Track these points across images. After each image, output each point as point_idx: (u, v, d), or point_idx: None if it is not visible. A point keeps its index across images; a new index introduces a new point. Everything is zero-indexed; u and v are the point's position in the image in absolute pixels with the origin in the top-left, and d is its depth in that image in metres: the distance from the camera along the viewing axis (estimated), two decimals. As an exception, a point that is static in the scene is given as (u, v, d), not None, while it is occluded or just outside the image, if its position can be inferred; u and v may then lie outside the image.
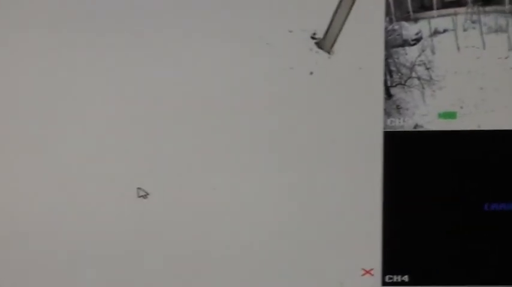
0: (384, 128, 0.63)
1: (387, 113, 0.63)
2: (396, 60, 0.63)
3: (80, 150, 0.63)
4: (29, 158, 0.63)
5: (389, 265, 0.65)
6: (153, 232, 0.64)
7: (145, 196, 0.64)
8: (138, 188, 0.64)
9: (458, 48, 0.63)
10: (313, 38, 0.62)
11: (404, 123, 0.64)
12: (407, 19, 0.62)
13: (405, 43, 0.63)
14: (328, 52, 0.62)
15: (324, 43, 0.62)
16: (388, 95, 0.63)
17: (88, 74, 0.63)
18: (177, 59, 0.62)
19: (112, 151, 0.63)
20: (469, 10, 0.62)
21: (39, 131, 0.63)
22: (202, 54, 0.62)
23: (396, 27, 0.62)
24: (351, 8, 0.62)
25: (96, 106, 0.63)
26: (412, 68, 0.63)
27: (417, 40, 0.63)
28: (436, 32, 0.63)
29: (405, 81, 0.63)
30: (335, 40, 0.62)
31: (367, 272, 0.65)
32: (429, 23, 0.62)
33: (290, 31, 0.62)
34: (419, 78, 0.63)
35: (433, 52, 0.63)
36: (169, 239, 0.64)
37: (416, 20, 0.62)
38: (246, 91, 0.63)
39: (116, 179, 0.64)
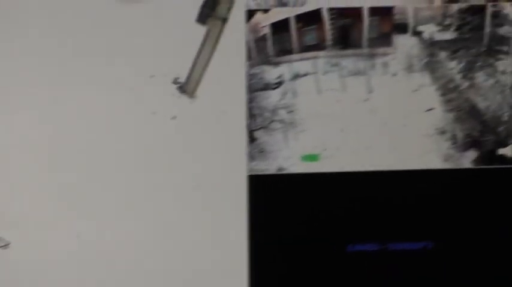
0: (248, 172, 0.63)
1: (251, 157, 0.63)
2: (259, 104, 0.63)
3: None
4: None
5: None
6: (15, 282, 0.62)
7: (5, 246, 0.62)
8: (-2, 238, 0.62)
9: (319, 92, 0.63)
10: (175, 82, 0.62)
11: (268, 167, 0.64)
12: (268, 63, 0.62)
13: (267, 87, 0.63)
14: (191, 97, 0.62)
15: (187, 87, 0.62)
16: (252, 138, 0.63)
17: None
18: (39, 104, 0.61)
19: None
20: (329, 53, 0.62)
21: None
22: (66, 100, 0.61)
23: (258, 71, 0.62)
24: (212, 53, 0.62)
25: None
26: (274, 112, 0.63)
27: (279, 84, 0.63)
28: (297, 76, 0.63)
29: (268, 124, 0.63)
30: (197, 84, 0.62)
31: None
32: (290, 67, 0.63)
33: (152, 76, 0.61)
34: (282, 121, 0.63)
35: (294, 95, 0.63)
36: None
37: (277, 64, 0.63)
38: (110, 136, 0.62)
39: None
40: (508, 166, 0.64)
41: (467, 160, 0.64)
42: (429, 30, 0.63)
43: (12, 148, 0.61)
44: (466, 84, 0.64)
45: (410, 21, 0.63)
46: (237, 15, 0.61)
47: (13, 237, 0.63)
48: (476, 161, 0.65)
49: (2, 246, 0.62)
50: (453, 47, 0.63)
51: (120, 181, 0.62)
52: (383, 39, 0.63)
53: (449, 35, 0.63)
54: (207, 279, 0.64)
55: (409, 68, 0.63)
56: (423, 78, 0.64)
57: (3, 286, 0.63)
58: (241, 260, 0.64)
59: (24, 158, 0.61)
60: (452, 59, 0.63)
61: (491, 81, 0.64)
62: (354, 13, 0.62)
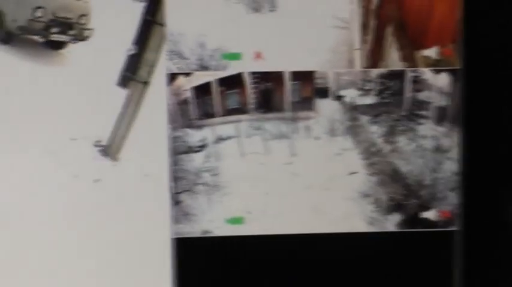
0: (173, 235, 0.63)
1: (175, 220, 0.63)
2: (182, 166, 0.63)
3: None
4: None
5: None
6: None
7: None
8: None
9: (243, 155, 0.63)
10: (97, 145, 0.62)
11: (193, 229, 0.63)
12: (191, 126, 0.63)
13: (190, 150, 0.63)
14: (114, 159, 0.62)
15: (109, 150, 0.62)
16: (176, 201, 0.63)
17: None
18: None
19: None
20: (252, 117, 0.63)
21: None
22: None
23: (180, 134, 0.63)
24: (134, 115, 0.62)
25: None
26: (198, 174, 0.63)
27: (202, 147, 0.63)
28: (220, 139, 0.63)
29: (192, 187, 0.63)
30: (120, 147, 0.62)
31: None
32: (213, 130, 0.63)
33: (73, 139, 0.61)
34: (205, 184, 0.63)
35: (218, 158, 0.63)
36: None
37: (200, 127, 0.63)
38: (31, 201, 0.61)
39: None
40: (431, 229, 0.64)
41: (391, 223, 0.65)
42: (350, 94, 0.64)
43: None
44: (388, 148, 0.64)
45: (332, 86, 0.64)
46: (158, 79, 0.62)
47: None
48: (400, 224, 0.65)
49: None
50: (374, 112, 0.64)
51: (43, 246, 0.62)
52: (305, 103, 0.64)
53: (370, 100, 0.64)
54: None
55: (332, 132, 0.64)
56: (346, 142, 0.64)
57: None
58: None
59: None
60: (373, 123, 0.64)
61: (412, 145, 0.64)
62: (276, 77, 0.63)
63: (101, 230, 0.62)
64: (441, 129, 0.64)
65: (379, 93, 0.64)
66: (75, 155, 0.62)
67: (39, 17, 0.60)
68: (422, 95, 0.64)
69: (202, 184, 0.64)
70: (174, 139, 0.63)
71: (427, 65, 0.64)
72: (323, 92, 0.64)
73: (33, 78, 0.61)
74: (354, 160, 0.64)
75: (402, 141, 0.64)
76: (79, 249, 0.62)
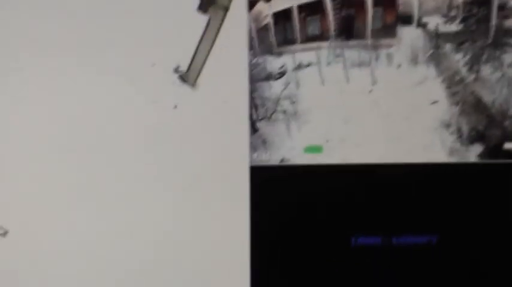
0: (250, 163, 0.62)
1: (253, 148, 0.63)
2: (261, 94, 0.62)
3: None
4: None
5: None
6: (11, 271, 0.62)
7: (3, 234, 0.61)
8: (-3, 226, 0.62)
9: (323, 82, 0.62)
10: (176, 71, 0.61)
11: (270, 158, 0.63)
12: (271, 53, 0.62)
13: (270, 77, 0.62)
14: (192, 85, 0.61)
15: (188, 76, 0.61)
16: (254, 129, 0.62)
17: None
18: (42, 94, 0.61)
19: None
20: (333, 44, 0.62)
21: None
22: (67, 90, 0.61)
23: (260, 61, 0.62)
24: (213, 42, 0.61)
25: None
26: (277, 102, 0.62)
27: (281, 74, 0.62)
28: (300, 66, 0.62)
29: (271, 115, 0.63)
30: (199, 73, 0.62)
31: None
32: (293, 57, 0.62)
33: (153, 64, 0.61)
34: (284, 112, 0.62)
35: (297, 86, 0.62)
36: (28, 279, 0.62)
37: (280, 54, 0.62)
38: (111, 126, 0.61)
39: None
40: (514, 161, 0.63)
41: (472, 154, 0.63)
42: (434, 21, 0.62)
43: (13, 138, 0.60)
44: (471, 77, 0.63)
45: (415, 13, 0.62)
46: (238, 5, 0.61)
47: (12, 225, 0.61)
48: (482, 155, 0.63)
49: (0, 234, 0.61)
50: (459, 39, 0.62)
51: (120, 172, 0.62)
52: (387, 31, 0.62)
53: (454, 27, 0.62)
54: (207, 273, 0.63)
55: (414, 60, 0.62)
56: (428, 71, 0.63)
57: (1, 275, 0.62)
58: (242, 253, 0.63)
59: (25, 147, 0.61)
60: (457, 51, 0.63)
61: (497, 74, 0.63)
62: (358, 3, 0.62)
63: (179, 156, 0.62)
64: (527, 58, 0.62)
65: (464, 20, 0.62)
66: (155, 80, 0.61)
67: None
68: (509, 23, 0.62)
69: (281, 111, 0.63)
70: (254, 66, 0.62)
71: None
72: (406, 19, 0.62)
73: (115, 4, 0.60)
74: (436, 89, 0.63)
75: (486, 70, 0.63)
76: (157, 174, 0.62)
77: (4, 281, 0.62)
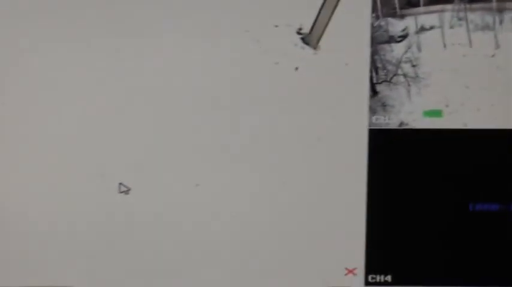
0: (369, 126, 0.63)
1: (372, 111, 0.63)
2: (382, 57, 0.62)
3: (60, 143, 0.62)
4: (6, 149, 0.62)
5: (373, 265, 0.64)
6: (134, 228, 0.63)
7: (126, 192, 0.63)
8: (120, 184, 0.63)
9: (445, 46, 0.62)
10: (299, 33, 0.62)
11: (389, 121, 0.63)
12: (393, 15, 0.62)
13: (391, 40, 0.62)
14: (314, 48, 0.62)
15: (310, 38, 0.62)
16: (374, 92, 0.62)
17: (70, 66, 0.61)
18: (161, 54, 0.62)
19: (93, 144, 0.62)
20: (456, 7, 0.61)
21: (19, 123, 0.62)
22: (187, 50, 0.62)
23: (382, 23, 0.62)
24: (337, 4, 0.61)
25: (77, 99, 0.62)
26: (398, 65, 0.62)
27: (403, 37, 0.62)
28: (422, 29, 0.62)
29: (391, 78, 0.62)
30: (321, 36, 0.62)
31: (350, 271, 0.64)
32: (416, 20, 0.62)
33: (276, 26, 0.61)
34: (405, 75, 0.62)
35: (419, 49, 0.62)
36: (151, 236, 0.63)
37: (402, 17, 0.62)
38: (231, 86, 0.62)
39: (97, 174, 0.62)
40: None
41: None
42: (562, -16, 0.61)
43: (134, 94, 0.61)
44: None
45: (543, -25, 0.61)
46: (364, -35, 0.61)
47: (134, 183, 0.63)
48: None
49: (123, 191, 0.62)
50: None
51: (241, 131, 0.62)
52: (513, -7, 0.61)
53: None
54: (322, 233, 0.63)
55: (540, 24, 0.61)
56: (554, 35, 0.62)
57: (123, 232, 0.63)
58: (359, 215, 0.63)
59: (144, 108, 0.62)
60: None
61: None
62: (485, -35, 0.61)
63: (299, 118, 0.62)
64: None
65: None
66: (277, 42, 0.62)
67: None
68: None
69: (402, 74, 0.62)
70: (376, 28, 0.62)
71: None
72: (533, -18, 0.61)
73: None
74: (562, 53, 0.62)
75: None
76: (275, 136, 0.62)
77: (126, 240, 0.63)
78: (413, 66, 0.62)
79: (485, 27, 0.62)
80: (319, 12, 0.61)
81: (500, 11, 0.62)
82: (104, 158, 0.63)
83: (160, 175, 0.63)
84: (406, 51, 0.62)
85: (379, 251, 0.64)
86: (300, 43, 0.62)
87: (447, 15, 0.62)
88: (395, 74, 0.62)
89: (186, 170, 0.63)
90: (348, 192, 0.63)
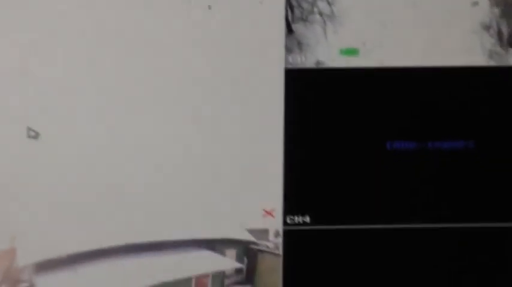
0: (285, 65, 0.61)
1: (288, 50, 0.61)
2: (297, -6, 0.60)
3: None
4: None
5: (291, 206, 0.63)
6: (43, 174, 0.61)
7: (35, 136, 0.61)
8: (29, 128, 0.60)
9: (361, -18, 0.61)
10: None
11: (305, 60, 0.61)
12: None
13: (306, -24, 0.60)
14: (228, -15, 0.60)
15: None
16: (290, 30, 0.61)
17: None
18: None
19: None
20: None
21: None
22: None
23: (297, -41, 0.60)
24: None
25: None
26: (313, 3, 0.61)
27: (319, -27, 0.60)
28: (337, -35, 0.60)
29: (307, 16, 0.61)
30: (235, -28, 0.60)
31: (268, 213, 0.63)
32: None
33: (186, -37, 0.59)
34: (321, 13, 0.61)
35: (334, -14, 0.61)
36: (61, 183, 0.61)
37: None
38: (144, 28, 0.60)
39: (4, 117, 0.60)
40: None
41: (512, 57, 0.62)
42: None
43: (35, 31, 0.59)
44: (513, -23, 0.61)
45: None
46: None
47: (43, 127, 0.61)
48: (522, 59, 0.62)
49: (31, 136, 0.60)
50: None
51: (155, 74, 0.61)
52: None
53: None
54: (239, 175, 0.62)
55: (455, -41, 0.60)
56: (469, -29, 0.61)
57: (32, 178, 0.61)
58: (276, 156, 0.62)
59: (51, 43, 0.59)
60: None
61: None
62: None
63: (212, 57, 0.61)
64: None
65: None
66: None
67: None
68: None
69: (318, 13, 0.61)
70: (290, -35, 0.60)
71: None
72: None
73: None
74: (477, -10, 0.61)
75: (529, -30, 0.61)
76: (189, 77, 0.61)
77: (33, 185, 0.61)
78: (329, 4, 0.61)
79: (402, -36, 0.61)
80: None
81: None
82: (11, 101, 0.60)
83: (71, 119, 0.61)
84: (321, -11, 0.61)
85: (297, 192, 0.63)
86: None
87: (362, -49, 0.60)
88: (311, 13, 0.61)
89: (99, 114, 0.61)
90: (264, 133, 0.62)
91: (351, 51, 0.62)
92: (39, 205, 0.62)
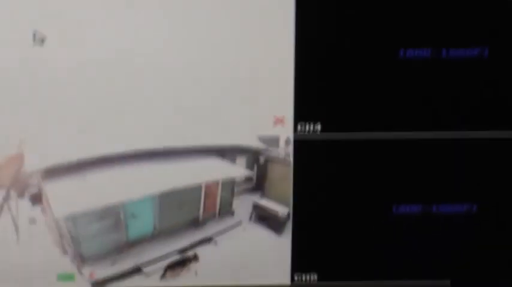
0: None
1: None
2: None
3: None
4: None
5: (302, 113, 0.62)
6: (52, 79, 0.60)
7: (42, 41, 0.59)
8: (34, 32, 0.59)
9: None
10: None
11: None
12: None
13: None
14: None
15: None
16: None
17: None
18: None
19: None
20: None
21: None
22: None
23: None
24: None
25: None
26: None
27: None
28: None
29: None
30: None
31: (279, 120, 0.62)
32: None
33: None
34: None
35: None
36: (70, 88, 0.60)
37: None
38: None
39: (11, 20, 0.59)
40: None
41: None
42: None
43: None
44: None
45: None
46: None
47: (50, 32, 0.59)
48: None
49: (38, 40, 0.59)
50: None
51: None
52: None
53: None
54: (251, 82, 0.61)
55: None
56: None
57: (42, 82, 0.60)
58: (287, 61, 0.61)
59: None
60: None
61: None
62: None
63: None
64: None
65: None
66: None
67: None
68: None
69: None
70: None
71: None
72: None
73: None
74: None
75: None
76: None
77: (42, 90, 0.60)
78: None
79: None
80: None
81: None
82: (18, 3, 0.59)
83: (78, 23, 0.59)
84: None
85: (308, 99, 0.62)
86: None
87: None
88: None
89: (107, 17, 0.59)
90: (275, 39, 0.61)
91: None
92: (48, 110, 0.60)
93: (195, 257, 0.64)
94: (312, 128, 0.63)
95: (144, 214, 0.63)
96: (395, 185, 0.64)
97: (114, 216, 0.62)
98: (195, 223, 0.65)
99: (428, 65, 0.62)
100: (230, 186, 0.64)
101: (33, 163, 0.61)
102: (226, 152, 0.63)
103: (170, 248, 0.64)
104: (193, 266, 0.63)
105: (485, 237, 0.65)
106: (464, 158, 0.64)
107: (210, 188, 0.64)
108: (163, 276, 0.64)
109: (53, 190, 0.61)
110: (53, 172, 0.61)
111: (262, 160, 0.63)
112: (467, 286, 0.66)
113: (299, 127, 0.63)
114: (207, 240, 0.64)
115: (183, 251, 0.64)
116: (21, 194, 0.61)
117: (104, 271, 0.64)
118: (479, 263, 0.66)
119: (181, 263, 0.63)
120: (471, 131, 0.64)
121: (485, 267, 0.66)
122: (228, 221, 0.65)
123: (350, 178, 0.64)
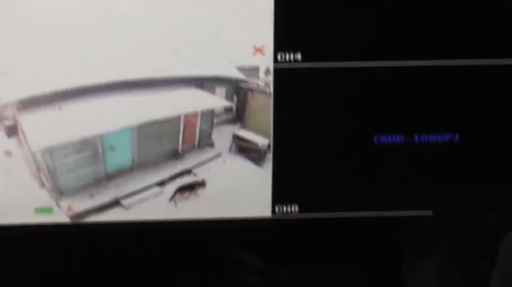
0: None
1: None
2: None
3: None
4: None
5: (282, 42, 0.61)
6: (22, 8, 0.58)
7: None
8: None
9: None
10: None
11: None
12: None
13: None
14: None
15: None
16: None
17: None
18: None
19: None
20: None
21: None
22: None
23: None
24: None
25: None
26: None
27: None
28: None
29: None
30: None
31: (258, 50, 0.61)
32: None
33: None
34: None
35: None
36: (46, 17, 0.58)
37: None
38: None
39: None
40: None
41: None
42: None
43: None
44: None
45: None
46: None
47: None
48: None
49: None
50: None
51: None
52: None
53: None
54: (229, 11, 0.60)
55: None
56: None
57: (11, 14, 0.58)
58: None
59: None
60: None
61: None
62: None
63: None
64: None
65: None
66: None
67: None
68: None
69: None
70: None
71: None
72: None
73: None
74: None
75: None
76: None
77: (15, 21, 0.58)
78: None
79: None
80: None
81: None
82: None
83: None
84: None
85: (288, 28, 0.61)
86: None
87: None
88: None
89: None
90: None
91: None
92: (22, 40, 0.59)
93: (203, 183, 0.63)
94: (292, 57, 0.62)
95: (122, 146, 0.62)
96: (376, 115, 0.64)
97: (91, 148, 0.61)
98: (175, 155, 0.64)
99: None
100: (209, 117, 0.63)
101: (8, 95, 0.59)
102: (205, 83, 0.62)
103: (149, 180, 0.64)
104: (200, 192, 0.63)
105: (467, 167, 0.65)
106: (447, 87, 0.63)
107: (189, 119, 0.63)
108: (171, 198, 0.63)
109: (29, 122, 0.60)
110: (29, 104, 0.60)
111: (241, 90, 0.62)
112: (449, 217, 0.66)
113: (279, 57, 0.61)
114: (187, 172, 0.64)
115: (161, 183, 0.63)
116: (-5, 127, 0.60)
117: (82, 204, 0.63)
118: (461, 193, 0.65)
119: (190, 187, 0.63)
120: (453, 59, 0.62)
121: (467, 197, 0.65)
122: (208, 153, 0.64)
123: (331, 108, 0.63)
